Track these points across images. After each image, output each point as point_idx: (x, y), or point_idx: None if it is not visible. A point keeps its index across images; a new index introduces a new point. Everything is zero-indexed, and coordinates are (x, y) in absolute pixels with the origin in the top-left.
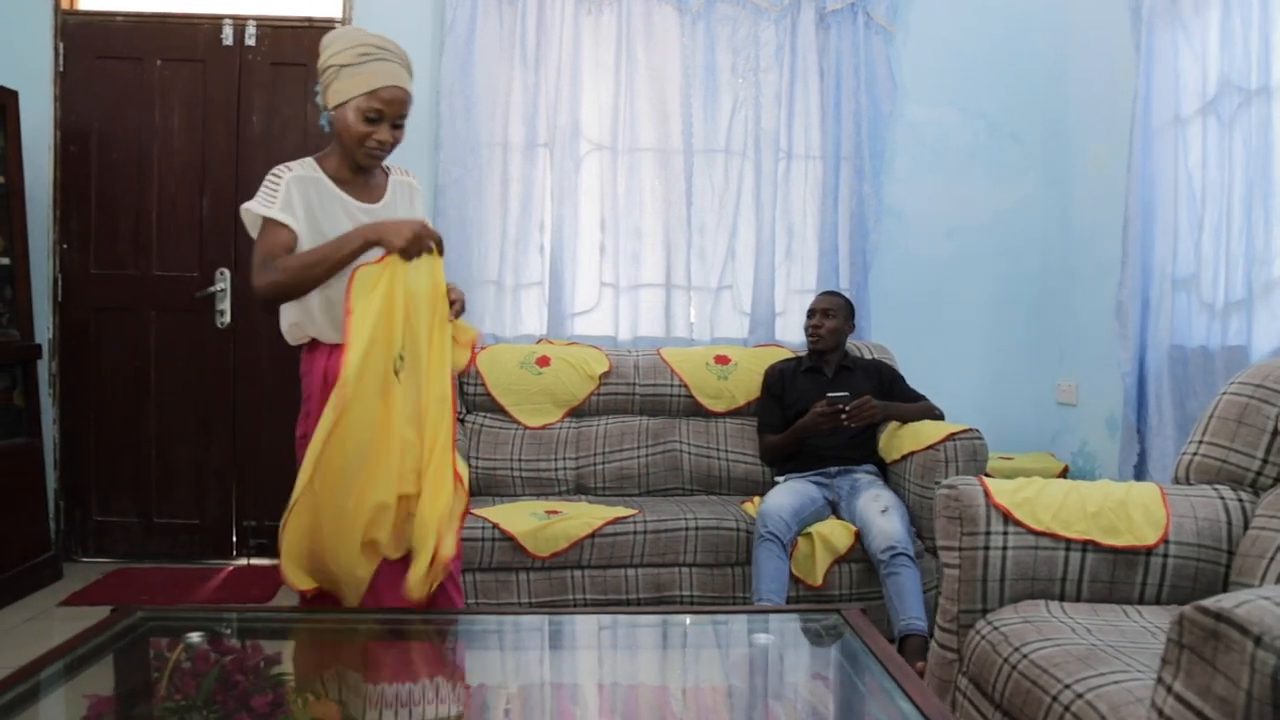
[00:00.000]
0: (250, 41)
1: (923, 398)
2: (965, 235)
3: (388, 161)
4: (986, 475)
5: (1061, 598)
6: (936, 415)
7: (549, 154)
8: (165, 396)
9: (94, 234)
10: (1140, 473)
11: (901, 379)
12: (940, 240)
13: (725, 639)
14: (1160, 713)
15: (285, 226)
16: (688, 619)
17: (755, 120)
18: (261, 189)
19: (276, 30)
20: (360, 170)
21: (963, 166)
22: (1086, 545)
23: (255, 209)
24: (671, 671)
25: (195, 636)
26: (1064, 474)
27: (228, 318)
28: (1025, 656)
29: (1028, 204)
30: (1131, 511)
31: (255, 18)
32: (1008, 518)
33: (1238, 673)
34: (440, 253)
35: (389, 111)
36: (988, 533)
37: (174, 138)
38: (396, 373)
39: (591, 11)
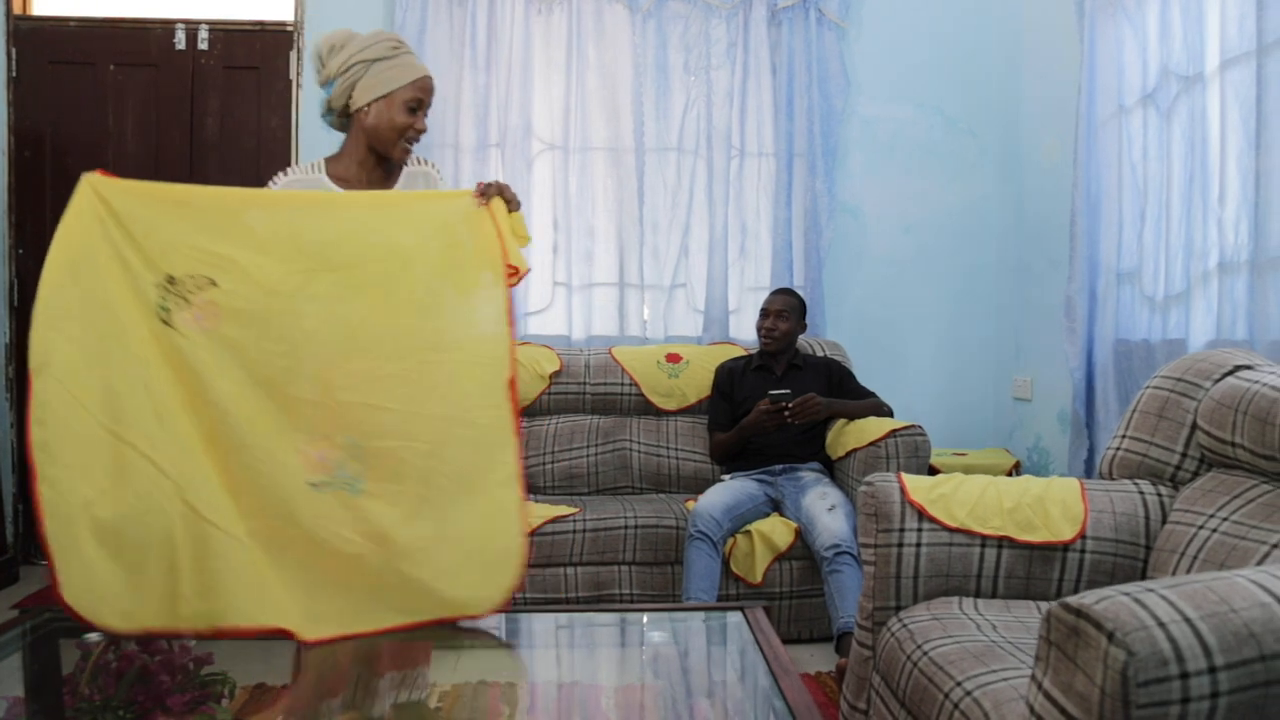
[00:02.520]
0: (203, 46)
1: (872, 395)
2: (922, 231)
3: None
4: (933, 471)
5: (977, 594)
6: (885, 412)
7: (500, 154)
8: None
9: (49, 238)
10: (1091, 468)
11: (851, 376)
12: (897, 236)
13: (623, 638)
14: (1032, 710)
15: None
16: (595, 617)
17: (707, 118)
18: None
19: (229, 34)
20: (377, 167)
21: (919, 162)
22: (1002, 541)
23: None
24: (563, 669)
25: (95, 636)
26: (1014, 470)
27: None
28: (926, 654)
29: (984, 199)
30: (1049, 507)
31: (207, 22)
32: (922, 514)
33: (1094, 669)
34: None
35: (427, 100)
36: (902, 529)
37: (128, 142)
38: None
39: (542, 12)
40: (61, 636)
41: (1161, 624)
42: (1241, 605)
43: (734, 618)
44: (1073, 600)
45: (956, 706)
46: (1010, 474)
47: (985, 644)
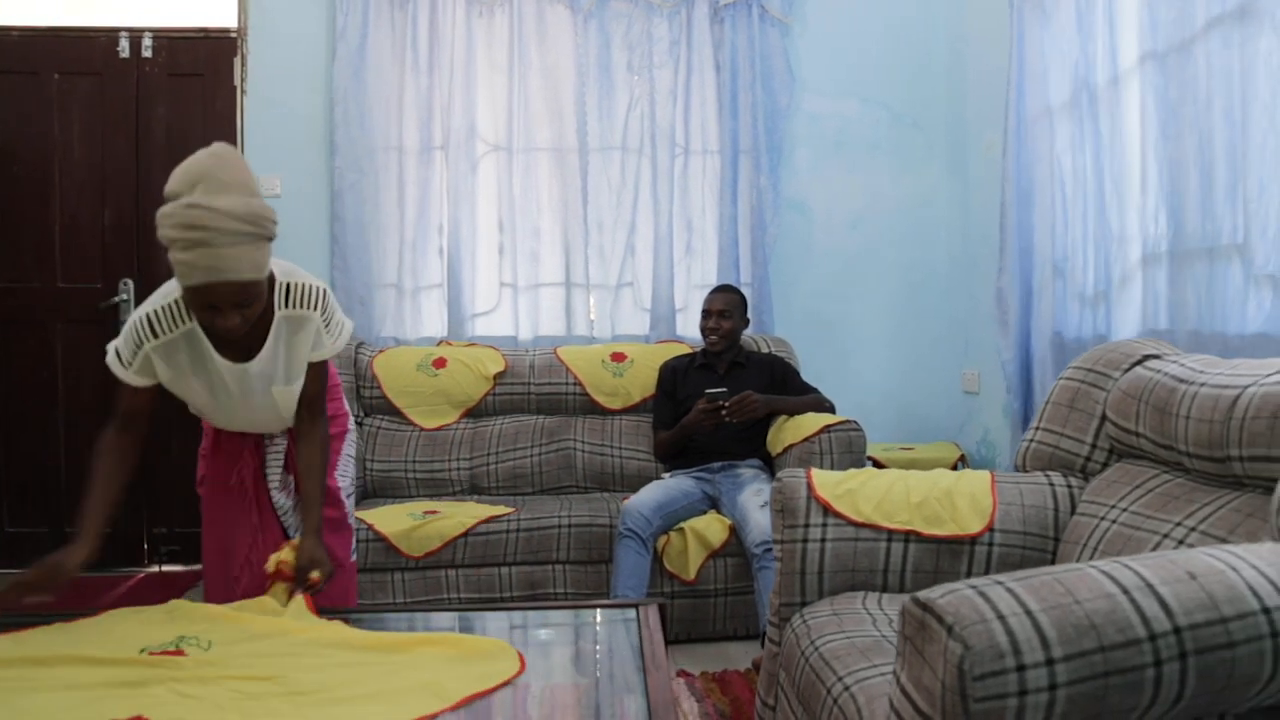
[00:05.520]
0: (147, 53)
1: (815, 391)
2: (870, 226)
3: (288, 282)
4: (877, 465)
5: (884, 589)
6: (826, 407)
7: (444, 156)
8: (73, 406)
9: None
10: None
11: (795, 373)
12: (844, 231)
13: (512, 637)
14: (891, 704)
15: (138, 391)
16: (488, 616)
17: (651, 117)
18: (124, 338)
19: (173, 41)
20: None
21: (865, 157)
22: (909, 536)
23: (113, 366)
24: None
25: None
26: (960, 463)
27: None
28: (817, 649)
29: (931, 193)
30: (957, 501)
31: (151, 29)
32: (827, 509)
33: (936, 662)
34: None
35: (218, 301)
36: (806, 525)
37: (74, 150)
38: None
39: (483, 14)
40: None
41: (1001, 616)
42: (1086, 597)
43: (629, 614)
44: (922, 594)
45: (836, 702)
46: (955, 467)
47: (874, 639)
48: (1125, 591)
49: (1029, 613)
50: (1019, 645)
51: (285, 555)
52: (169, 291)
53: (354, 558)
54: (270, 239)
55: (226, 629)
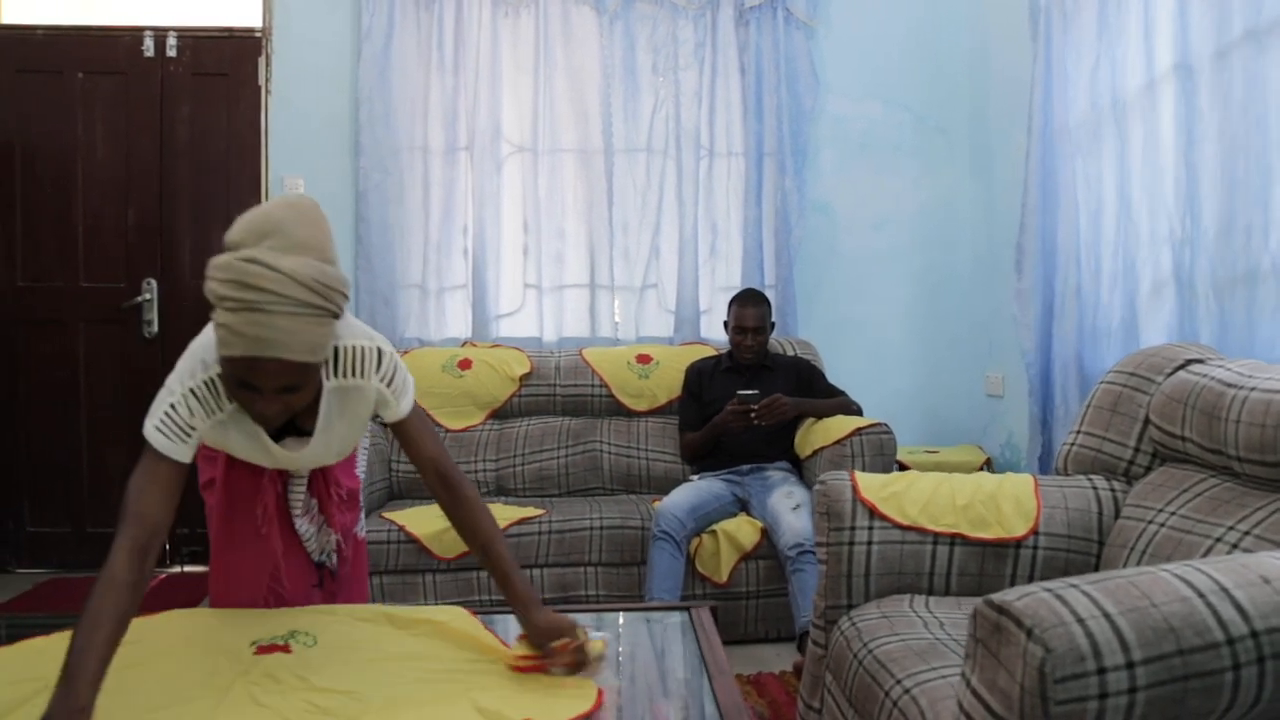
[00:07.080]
0: (171, 53)
1: (842, 393)
2: (894, 228)
3: (335, 345)
4: (903, 468)
5: (930, 592)
6: (853, 410)
7: (469, 157)
8: (95, 406)
9: (20, 247)
10: (1046, 465)
11: (821, 375)
12: (869, 233)
13: None
14: (961, 707)
15: (171, 464)
16: None
17: (676, 118)
18: (168, 408)
19: (197, 41)
20: None
21: (889, 159)
22: (954, 539)
23: (151, 434)
24: None
25: None
26: (985, 466)
27: (155, 327)
28: (870, 652)
29: (955, 195)
30: (1002, 504)
31: (175, 29)
32: (874, 512)
33: (1014, 665)
34: None
35: (259, 381)
36: (853, 528)
37: (98, 149)
38: None
39: (509, 14)
40: None
41: (1080, 620)
42: (1162, 600)
43: (679, 617)
44: (996, 597)
45: (895, 704)
46: (981, 471)
47: (929, 642)
48: (1201, 595)
49: (1107, 615)
50: (1099, 648)
51: (518, 650)
52: (207, 363)
53: (363, 534)
54: (337, 316)
55: (335, 626)
